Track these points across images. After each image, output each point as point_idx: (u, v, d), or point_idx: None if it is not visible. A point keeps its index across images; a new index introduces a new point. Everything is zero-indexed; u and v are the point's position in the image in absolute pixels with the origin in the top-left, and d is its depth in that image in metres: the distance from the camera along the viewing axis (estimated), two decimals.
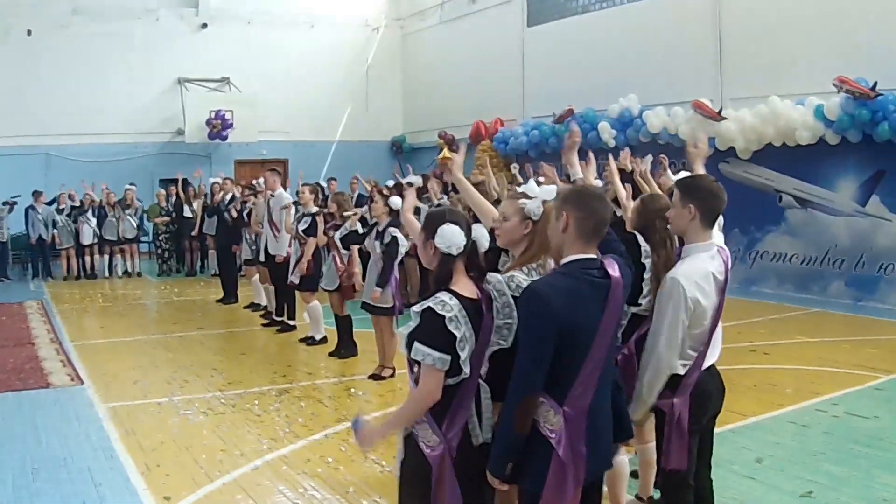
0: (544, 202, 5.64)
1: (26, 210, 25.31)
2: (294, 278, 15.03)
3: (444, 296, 4.87)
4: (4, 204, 25.04)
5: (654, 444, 6.57)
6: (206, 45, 31.64)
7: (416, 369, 4.97)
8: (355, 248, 13.81)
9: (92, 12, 29.86)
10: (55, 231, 24.96)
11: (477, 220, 5.79)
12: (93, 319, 18.84)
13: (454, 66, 32.01)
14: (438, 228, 4.96)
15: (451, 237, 4.92)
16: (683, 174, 7.24)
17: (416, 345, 4.83)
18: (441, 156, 28.85)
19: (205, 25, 31.81)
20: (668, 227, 6.26)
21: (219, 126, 30.34)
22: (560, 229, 4.86)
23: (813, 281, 19.27)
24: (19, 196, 25.43)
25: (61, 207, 25.07)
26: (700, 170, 7.09)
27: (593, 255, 4.84)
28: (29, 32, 29.30)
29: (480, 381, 5.07)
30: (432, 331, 4.80)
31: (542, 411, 4.71)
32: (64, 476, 8.81)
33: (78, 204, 25.17)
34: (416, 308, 4.93)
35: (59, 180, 26.82)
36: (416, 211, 13.22)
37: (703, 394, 5.81)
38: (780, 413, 10.48)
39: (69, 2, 29.66)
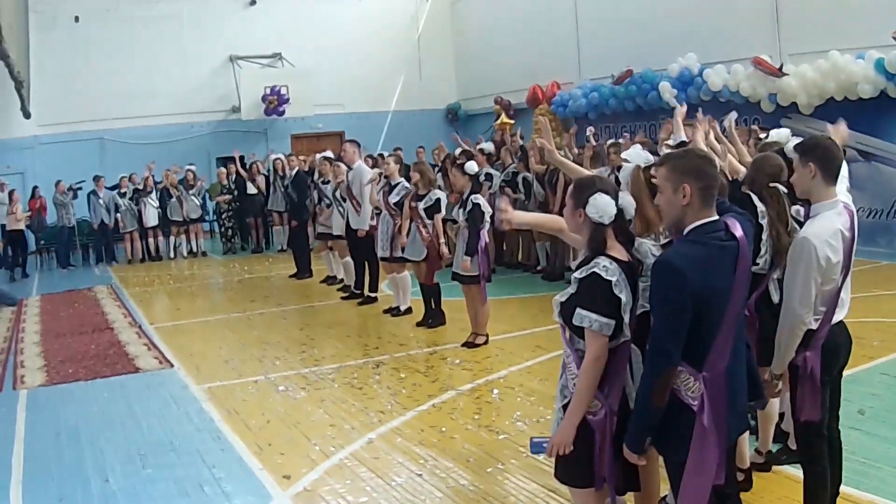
0: (638, 167, 5.65)
1: (88, 195, 25.24)
2: (394, 252, 14.62)
3: (604, 261, 4.89)
4: (69, 190, 24.91)
5: (775, 399, 6.62)
6: (255, 21, 31.38)
7: (569, 336, 5.02)
8: (439, 217, 13.51)
9: None
10: (118, 215, 24.85)
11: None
12: (167, 301, 18.72)
13: (506, 31, 31.48)
14: (590, 198, 4.96)
15: (603, 206, 4.95)
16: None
17: (581, 311, 4.84)
18: (499, 122, 28.61)
19: (253, 2, 31.57)
20: (772, 184, 6.46)
21: (275, 102, 30.12)
22: (682, 202, 4.75)
23: (880, 234, 18.81)
24: (83, 181, 25.30)
25: (123, 191, 24.92)
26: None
27: (715, 217, 4.76)
28: (77, 19, 29.19)
29: (632, 344, 5.05)
30: (598, 296, 4.83)
31: (682, 379, 4.70)
32: (174, 460, 8.66)
33: (140, 186, 24.93)
34: (577, 274, 4.95)
35: (115, 164, 26.83)
36: (489, 177, 13.02)
37: (834, 347, 5.84)
38: (872, 365, 10.24)
39: None
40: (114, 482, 8.12)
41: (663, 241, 5.39)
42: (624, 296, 4.83)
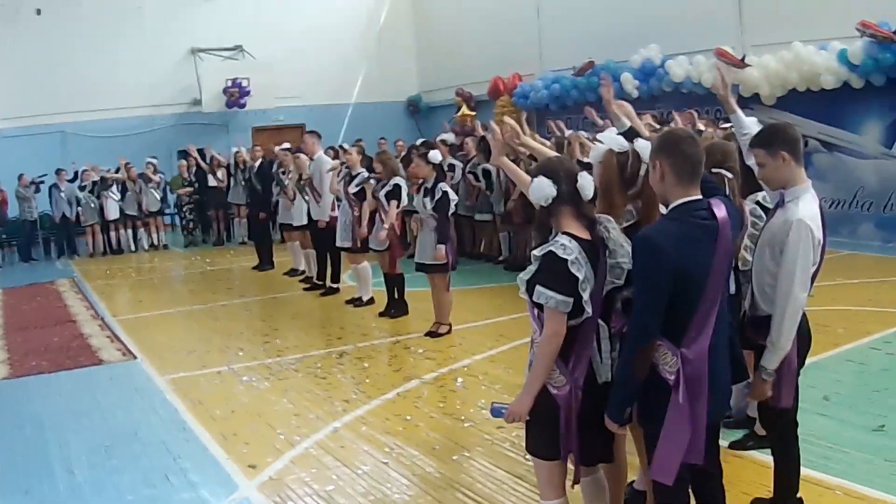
0: (606, 151, 5.68)
1: (49, 188, 25.11)
2: (354, 243, 14.65)
3: (563, 239, 5.00)
4: (31, 184, 24.75)
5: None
6: (216, 13, 31.12)
7: (536, 312, 5.11)
8: (395, 203, 13.49)
9: None
10: (79, 208, 24.69)
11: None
12: (129, 294, 18.71)
13: (467, 23, 31.48)
14: (532, 181, 5.17)
15: (540, 190, 5.12)
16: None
17: (539, 288, 4.95)
18: (460, 113, 28.62)
19: None
20: (715, 170, 6.52)
21: (236, 94, 30.02)
22: (658, 178, 4.91)
23: (842, 224, 18.88)
24: (45, 175, 25.16)
25: (84, 184, 24.75)
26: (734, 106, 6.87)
27: (698, 197, 4.85)
28: (38, 11, 28.93)
29: (599, 320, 5.13)
30: (555, 274, 4.93)
31: (660, 354, 4.77)
32: (139, 450, 8.68)
33: (99, 179, 24.82)
34: (537, 252, 5.06)
35: (76, 157, 26.48)
36: (451, 167, 13.09)
37: (807, 333, 5.91)
38: (837, 352, 10.37)
39: None
40: (79, 473, 8.14)
41: (624, 224, 5.44)
42: (581, 274, 4.92)
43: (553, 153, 6.86)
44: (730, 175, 6.58)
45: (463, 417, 9.04)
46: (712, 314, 4.75)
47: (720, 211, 4.83)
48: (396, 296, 14.15)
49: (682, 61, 21.41)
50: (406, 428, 8.84)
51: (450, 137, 20.22)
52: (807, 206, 5.61)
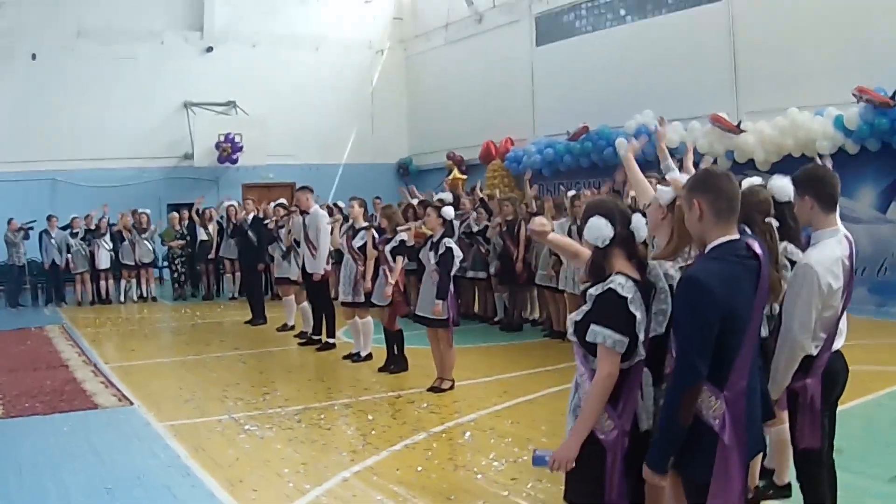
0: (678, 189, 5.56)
1: (40, 235, 24.92)
2: (357, 297, 14.52)
3: (620, 278, 4.93)
4: (19, 230, 24.57)
5: (786, 424, 6.51)
6: (211, 68, 31.34)
7: (584, 355, 5.04)
8: (400, 259, 13.48)
9: (97, 35, 29.45)
10: (69, 256, 24.49)
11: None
12: (121, 342, 18.47)
13: (460, 87, 31.71)
14: (587, 221, 5.10)
15: (597, 230, 5.06)
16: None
17: (595, 327, 4.86)
18: (451, 177, 28.58)
19: (210, 49, 31.56)
20: (767, 219, 6.48)
21: (229, 150, 29.97)
22: (696, 218, 4.84)
23: None
24: (34, 222, 25.01)
25: (75, 231, 24.60)
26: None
27: (737, 236, 4.81)
28: (34, 56, 28.96)
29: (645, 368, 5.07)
30: (613, 312, 4.86)
31: (703, 398, 4.66)
32: (141, 494, 8.48)
33: (93, 228, 24.65)
34: (593, 291, 4.98)
35: (66, 205, 26.40)
36: (450, 229, 13.01)
37: (833, 374, 5.98)
38: (843, 409, 10.12)
39: (74, 24, 29.27)
40: None
41: (682, 263, 5.43)
42: (639, 314, 4.87)
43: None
44: (776, 222, 6.51)
45: (475, 469, 8.87)
46: (752, 353, 4.73)
47: (758, 248, 4.82)
48: (396, 351, 13.99)
49: (677, 127, 21.36)
50: (419, 478, 8.67)
51: (448, 197, 20.12)
52: (822, 252, 5.73)
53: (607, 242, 5.03)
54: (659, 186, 5.94)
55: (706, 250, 4.82)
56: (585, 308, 5.02)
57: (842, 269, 5.74)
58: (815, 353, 5.82)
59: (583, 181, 24.14)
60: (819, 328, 5.76)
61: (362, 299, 14.39)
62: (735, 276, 4.66)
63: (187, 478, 8.96)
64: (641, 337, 4.88)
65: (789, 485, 7.33)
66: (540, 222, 5.77)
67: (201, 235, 25.64)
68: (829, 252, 5.71)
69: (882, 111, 17.37)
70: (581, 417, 4.97)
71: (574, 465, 4.97)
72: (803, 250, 6.30)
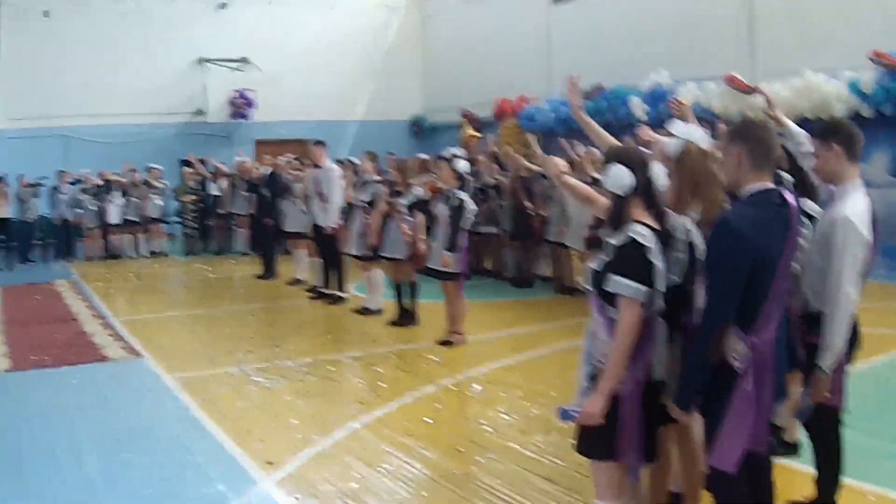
0: (687, 143, 5.47)
1: (51, 190, 24.93)
2: (364, 250, 14.54)
3: (640, 227, 4.85)
4: (30, 186, 24.55)
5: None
6: (225, 24, 31.12)
7: (601, 307, 4.95)
8: (421, 215, 13.39)
9: None
10: (80, 211, 24.45)
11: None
12: (131, 297, 18.46)
13: (476, 46, 31.39)
14: (607, 168, 5.01)
15: (618, 177, 4.98)
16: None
17: (616, 278, 4.80)
18: (465, 134, 28.44)
19: (223, 5, 31.34)
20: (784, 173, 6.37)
21: (242, 105, 29.94)
22: (734, 165, 4.84)
23: None
24: (46, 178, 25.04)
25: (86, 187, 24.56)
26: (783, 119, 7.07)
27: (771, 185, 4.81)
28: (46, 13, 28.75)
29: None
30: (633, 262, 4.81)
31: (730, 342, 4.67)
32: (152, 446, 8.46)
33: (103, 184, 24.63)
34: (613, 241, 4.91)
35: (79, 162, 26.35)
36: (462, 183, 12.91)
37: (857, 331, 5.88)
38: (854, 370, 10.19)
39: None
40: (90, 467, 7.92)
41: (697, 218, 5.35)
42: (659, 263, 4.81)
43: (610, 139, 6.67)
44: (790, 178, 6.42)
45: (483, 421, 8.85)
46: (780, 301, 4.75)
47: (791, 199, 4.80)
48: (407, 306, 13.96)
49: (691, 87, 21.24)
50: (428, 430, 8.65)
51: (459, 153, 20.06)
52: (854, 204, 5.63)
53: (628, 191, 4.95)
54: (665, 138, 5.87)
55: (743, 196, 4.83)
56: (605, 257, 4.97)
57: (870, 220, 5.70)
58: None
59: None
60: None
61: (368, 253, 14.39)
62: (769, 223, 4.68)
63: (196, 429, 8.96)
64: (661, 287, 4.85)
65: (797, 443, 7.28)
66: (555, 161, 5.82)
67: (213, 191, 25.55)
68: (861, 203, 5.66)
69: None
70: (608, 371, 4.88)
71: (601, 420, 4.88)
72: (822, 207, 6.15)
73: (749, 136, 4.82)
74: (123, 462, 7.98)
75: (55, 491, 7.38)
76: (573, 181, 6.01)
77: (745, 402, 4.61)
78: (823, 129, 5.91)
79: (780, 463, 7.03)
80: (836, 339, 5.51)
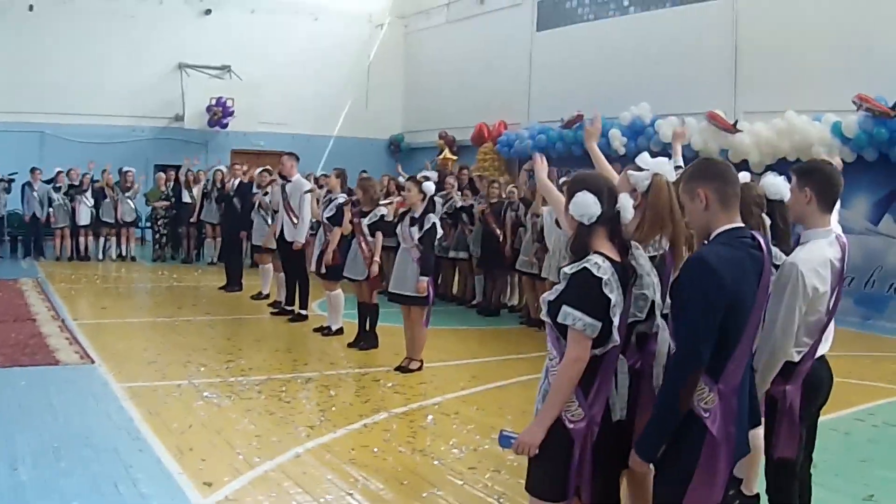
0: (654, 175, 5.39)
1: (22, 187, 24.69)
2: (320, 268, 14.39)
3: (597, 258, 4.71)
4: (1, 180, 24.31)
5: (761, 430, 6.11)
6: (208, 30, 31.07)
7: (557, 337, 4.82)
8: (380, 235, 13.35)
9: None
10: (51, 210, 24.24)
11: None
12: (93, 299, 18.25)
13: (458, 67, 31.39)
14: (574, 195, 4.82)
15: (584, 206, 4.81)
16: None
17: (566, 308, 4.66)
18: (442, 156, 28.37)
19: (209, 11, 31.26)
20: (763, 214, 6.30)
21: (220, 113, 29.78)
22: (701, 208, 4.68)
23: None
24: (16, 173, 24.86)
25: (58, 186, 24.37)
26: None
27: (741, 224, 4.68)
28: (31, 7, 28.66)
29: (621, 354, 4.85)
30: (586, 294, 4.66)
31: (697, 388, 4.48)
32: (90, 455, 8.26)
33: (77, 183, 24.42)
34: (567, 269, 4.75)
35: (54, 159, 26.15)
36: (431, 205, 12.83)
37: (816, 382, 5.72)
38: (821, 421, 10.05)
39: None
40: (24, 472, 7.72)
41: (652, 252, 5.30)
42: (614, 297, 4.66)
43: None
44: (769, 220, 6.32)
45: (433, 455, 8.69)
46: (748, 349, 4.59)
47: (763, 241, 4.67)
48: (368, 328, 13.81)
49: (672, 121, 21.15)
50: (373, 460, 8.46)
51: (432, 176, 19.95)
52: (810, 252, 5.51)
53: (593, 220, 4.81)
54: (632, 172, 5.67)
55: (712, 236, 4.67)
56: (560, 287, 4.82)
57: (830, 271, 5.53)
58: (797, 359, 5.60)
59: (574, 169, 23.91)
60: (803, 333, 5.55)
61: (324, 271, 14.30)
62: (742, 263, 4.53)
63: (136, 441, 8.76)
64: (616, 322, 4.68)
65: (758, 496, 7.07)
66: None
67: (185, 198, 25.42)
68: (818, 252, 5.51)
69: (881, 121, 17.14)
70: (547, 402, 4.77)
71: (538, 451, 4.77)
72: (788, 254, 5.95)
73: (714, 174, 4.70)
74: (59, 471, 7.79)
75: None
76: (550, 187, 6.19)
77: (714, 454, 4.45)
78: (801, 169, 5.80)
79: None
80: (757, 380, 5.36)
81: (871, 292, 18.22)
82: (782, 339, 5.41)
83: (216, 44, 31.00)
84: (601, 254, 4.76)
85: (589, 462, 4.71)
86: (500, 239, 16.98)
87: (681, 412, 4.45)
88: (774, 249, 6.13)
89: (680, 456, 4.52)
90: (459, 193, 18.88)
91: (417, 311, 12.13)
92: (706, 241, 4.75)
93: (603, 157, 6.90)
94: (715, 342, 4.41)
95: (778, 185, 6.56)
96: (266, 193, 17.75)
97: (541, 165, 6.69)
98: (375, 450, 8.77)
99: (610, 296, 4.63)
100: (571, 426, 4.72)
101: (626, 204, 4.94)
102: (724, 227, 4.62)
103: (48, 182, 24.53)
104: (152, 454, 8.39)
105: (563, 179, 14.54)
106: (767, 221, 6.37)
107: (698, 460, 4.44)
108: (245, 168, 20.48)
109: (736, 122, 19.74)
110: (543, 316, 4.87)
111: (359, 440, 9.09)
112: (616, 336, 4.69)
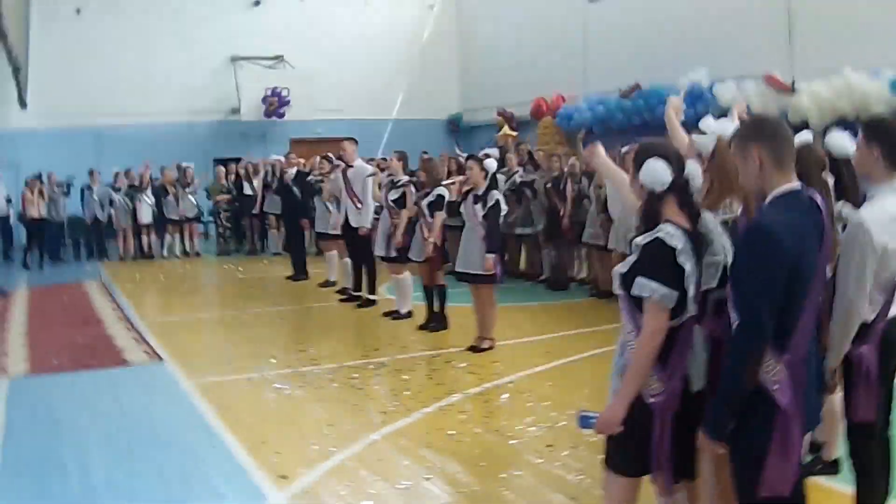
0: (718, 138, 5.23)
1: (82, 190, 24.77)
2: (390, 252, 14.25)
3: (669, 227, 4.51)
4: (59, 185, 24.34)
5: (839, 394, 5.98)
6: (258, 22, 30.97)
7: (631, 310, 4.63)
8: (438, 215, 13.15)
9: None
10: (112, 210, 24.22)
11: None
12: (158, 298, 18.29)
13: (511, 43, 31.05)
14: (644, 163, 4.67)
15: (654, 173, 4.63)
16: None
17: (641, 280, 4.46)
18: (501, 133, 28.10)
19: (258, 2, 31.24)
20: (824, 174, 5.85)
21: (275, 104, 29.75)
22: (756, 168, 4.39)
23: None
24: (74, 177, 24.90)
25: (118, 186, 24.35)
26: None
27: (799, 186, 4.39)
28: (78, 11, 28.70)
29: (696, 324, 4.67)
30: (660, 264, 4.46)
31: (763, 361, 4.22)
32: (160, 455, 8.15)
33: (136, 183, 24.40)
34: (639, 240, 4.56)
35: (112, 160, 26.19)
36: (494, 182, 12.62)
37: (891, 342, 5.46)
38: None
39: None
40: (95, 475, 7.62)
41: (723, 217, 5.07)
42: (688, 266, 4.45)
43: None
44: (832, 179, 6.04)
45: (509, 434, 8.50)
46: (814, 315, 4.35)
47: (821, 203, 4.41)
48: (437, 309, 13.61)
49: (730, 86, 20.82)
50: (449, 443, 8.29)
51: (494, 153, 19.73)
52: (878, 208, 5.22)
53: (665, 187, 4.60)
54: (696, 137, 5.52)
55: (769, 199, 4.38)
56: (632, 259, 4.62)
57: None
58: (871, 319, 5.31)
59: (635, 139, 23.53)
60: (875, 292, 5.25)
61: (394, 254, 14.15)
62: (802, 227, 4.25)
63: (209, 437, 8.67)
64: (691, 291, 4.51)
65: (837, 461, 6.92)
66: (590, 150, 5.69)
67: (247, 190, 25.35)
68: (886, 207, 5.20)
69: None
70: (627, 378, 4.59)
71: (621, 428, 4.59)
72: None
73: (767, 133, 4.41)
74: (131, 472, 7.67)
75: (55, 501, 7.15)
76: (610, 165, 5.87)
77: (787, 429, 4.20)
78: (868, 125, 5.48)
79: (818, 482, 6.68)
80: (836, 342, 5.24)
81: None
82: (856, 300, 5.14)
83: (267, 34, 30.87)
84: (672, 222, 4.57)
85: (669, 435, 4.55)
86: (560, 213, 16.68)
87: (745, 388, 4.22)
88: (846, 206, 5.86)
89: (752, 433, 4.29)
90: (521, 169, 18.57)
91: (486, 288, 11.94)
92: (762, 205, 4.48)
93: (679, 127, 6.59)
94: (778, 311, 4.17)
95: (843, 143, 6.28)
96: (322, 181, 17.47)
97: (595, 150, 6.28)
98: (451, 432, 8.60)
99: (684, 265, 4.47)
100: (651, 400, 4.57)
101: (694, 171, 4.79)
102: (780, 188, 4.35)
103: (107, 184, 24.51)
104: (225, 449, 8.27)
105: (625, 148, 14.31)
106: (831, 181, 6.03)
107: (771, 436, 4.21)
108: (300, 158, 20.36)
109: (793, 82, 19.32)
110: (616, 289, 4.70)
111: (434, 423, 8.92)
112: (692, 306, 4.54)
